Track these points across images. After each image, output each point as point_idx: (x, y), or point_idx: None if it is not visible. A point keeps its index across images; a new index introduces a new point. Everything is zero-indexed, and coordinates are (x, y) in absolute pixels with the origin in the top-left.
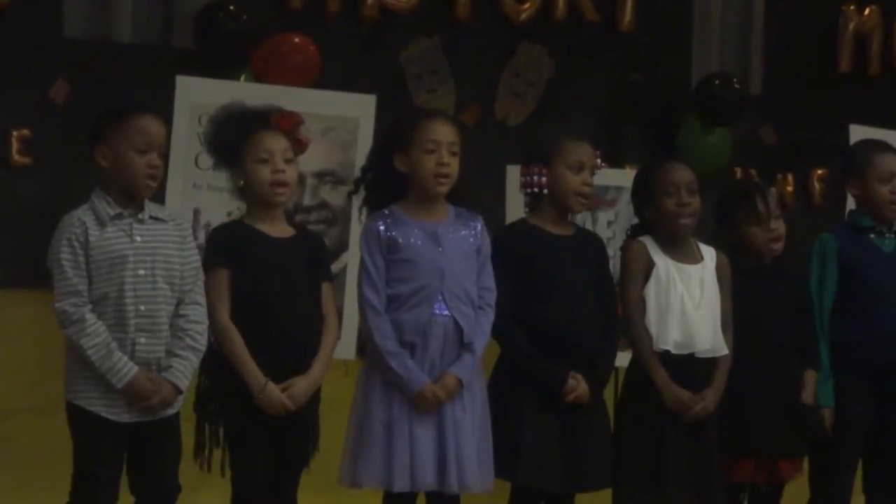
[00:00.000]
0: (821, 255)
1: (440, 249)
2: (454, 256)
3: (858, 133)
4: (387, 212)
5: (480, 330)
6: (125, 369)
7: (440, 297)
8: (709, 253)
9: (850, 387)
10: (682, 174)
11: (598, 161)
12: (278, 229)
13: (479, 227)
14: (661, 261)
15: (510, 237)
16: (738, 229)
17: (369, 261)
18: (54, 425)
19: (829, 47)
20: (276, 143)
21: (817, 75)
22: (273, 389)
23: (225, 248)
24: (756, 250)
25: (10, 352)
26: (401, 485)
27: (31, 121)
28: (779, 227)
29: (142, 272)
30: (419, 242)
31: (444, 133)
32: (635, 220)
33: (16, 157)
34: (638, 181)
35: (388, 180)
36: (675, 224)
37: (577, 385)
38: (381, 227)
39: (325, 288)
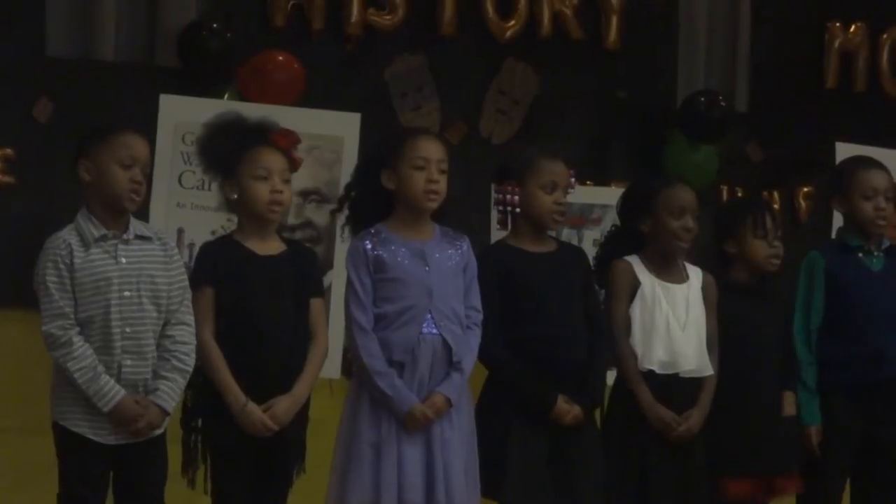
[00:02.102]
0: (808, 273)
1: (427, 268)
2: (441, 275)
3: (845, 150)
4: (373, 230)
5: (468, 348)
6: (112, 393)
7: (428, 316)
8: (695, 273)
9: (837, 405)
10: (690, 198)
11: (572, 181)
12: (267, 246)
13: (465, 246)
14: (647, 280)
15: (491, 259)
16: (743, 241)
17: (356, 280)
18: (39, 445)
19: (815, 64)
20: (276, 162)
21: (803, 92)
22: (253, 409)
23: (211, 266)
24: (756, 264)
25: None
26: None
27: (13, 140)
28: (780, 245)
29: (127, 294)
30: (406, 261)
31: (433, 150)
32: (611, 230)
33: None
34: (637, 195)
35: (372, 199)
36: (674, 245)
37: (571, 409)
38: (368, 246)
39: (315, 304)
